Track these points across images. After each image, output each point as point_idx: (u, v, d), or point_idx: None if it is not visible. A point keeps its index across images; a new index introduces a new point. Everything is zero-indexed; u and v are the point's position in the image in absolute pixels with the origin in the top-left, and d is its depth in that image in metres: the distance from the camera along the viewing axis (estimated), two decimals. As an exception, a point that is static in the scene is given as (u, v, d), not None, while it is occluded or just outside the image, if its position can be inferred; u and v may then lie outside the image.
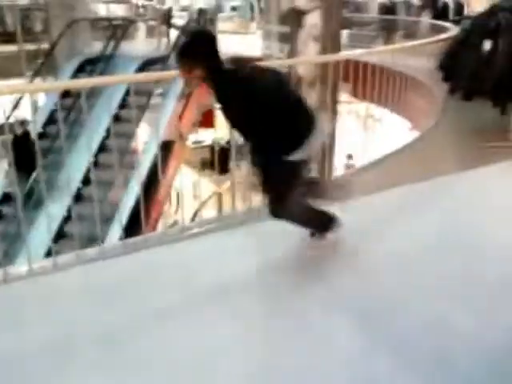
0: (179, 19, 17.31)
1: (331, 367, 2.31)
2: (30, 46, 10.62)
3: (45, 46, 10.82)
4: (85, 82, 4.97)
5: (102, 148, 8.34)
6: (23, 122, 8.54)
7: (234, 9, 20.03)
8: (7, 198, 8.52)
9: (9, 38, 11.89)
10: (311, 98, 6.56)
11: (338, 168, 9.20)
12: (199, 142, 13.52)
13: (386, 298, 2.80)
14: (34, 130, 7.73)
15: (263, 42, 7.49)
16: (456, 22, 10.29)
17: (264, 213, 3.06)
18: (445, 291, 2.85)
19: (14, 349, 2.42)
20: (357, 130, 9.43)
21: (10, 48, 11.26)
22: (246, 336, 2.52)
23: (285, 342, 2.47)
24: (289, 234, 3.25)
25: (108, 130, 8.00)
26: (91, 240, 3.73)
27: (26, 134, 7.97)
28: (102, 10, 16.25)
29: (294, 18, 6.40)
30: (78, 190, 8.05)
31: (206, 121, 13.45)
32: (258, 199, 3.59)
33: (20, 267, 3.21)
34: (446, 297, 2.80)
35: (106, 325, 2.58)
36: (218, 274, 3.05)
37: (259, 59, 7.35)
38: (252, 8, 18.54)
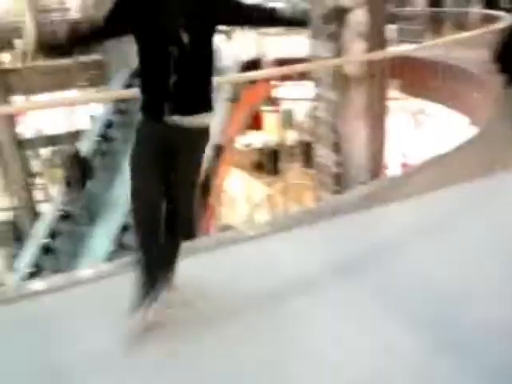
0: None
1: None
2: (83, 58, 10.95)
3: (97, 57, 11.15)
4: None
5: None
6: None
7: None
8: (64, 216, 8.64)
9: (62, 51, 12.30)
10: (360, 96, 6.50)
11: (393, 167, 9.04)
12: (249, 144, 13.60)
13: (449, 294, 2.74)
14: (89, 145, 7.95)
15: (309, 43, 7.46)
16: (508, 10, 9.93)
17: (319, 214, 3.04)
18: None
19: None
20: (408, 127, 9.26)
21: (64, 61, 11.67)
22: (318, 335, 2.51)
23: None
24: (347, 236, 3.23)
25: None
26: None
27: (78, 152, 8.20)
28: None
29: (339, 16, 6.34)
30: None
31: (255, 123, 13.54)
32: (311, 200, 3.57)
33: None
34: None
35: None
36: (273, 276, 3.05)
37: (306, 60, 7.36)
38: (297, 8, 18.52)
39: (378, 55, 5.88)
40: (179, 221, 2.58)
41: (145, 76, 2.38)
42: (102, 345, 2.47)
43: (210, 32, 2.38)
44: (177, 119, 2.34)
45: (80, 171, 8.02)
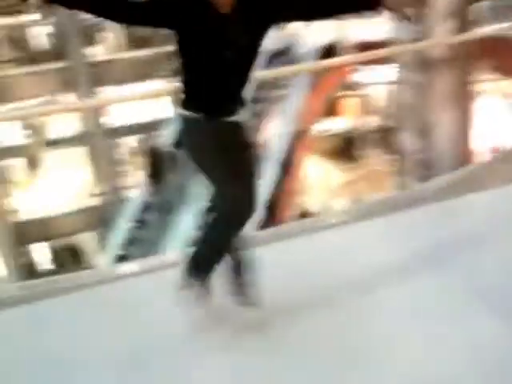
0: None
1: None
2: (165, 49, 11.23)
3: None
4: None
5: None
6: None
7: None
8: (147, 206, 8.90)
9: (143, 44, 12.74)
10: (446, 80, 6.22)
11: (483, 152, 8.58)
12: (327, 130, 13.44)
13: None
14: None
15: (389, 25, 7.22)
16: None
17: (404, 201, 2.94)
18: None
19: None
20: (501, 109, 8.74)
21: (146, 52, 12.05)
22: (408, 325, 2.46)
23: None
24: (434, 224, 3.10)
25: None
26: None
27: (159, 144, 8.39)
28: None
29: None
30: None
31: (334, 109, 13.34)
32: (392, 187, 3.46)
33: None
34: None
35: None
36: (359, 265, 2.99)
37: (388, 43, 7.12)
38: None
39: (465, 37, 5.58)
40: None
41: (193, 76, 2.30)
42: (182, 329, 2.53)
43: (265, 33, 2.29)
44: (236, 117, 2.34)
45: (161, 164, 8.23)
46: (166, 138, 8.69)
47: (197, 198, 7.25)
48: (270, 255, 3.22)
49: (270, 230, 3.61)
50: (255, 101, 8.30)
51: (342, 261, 3.03)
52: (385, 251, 3.10)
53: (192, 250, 2.50)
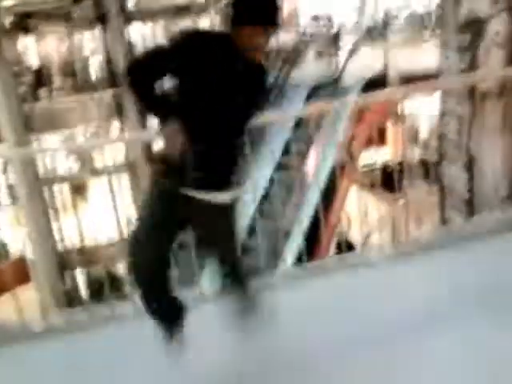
0: (347, 40, 17.38)
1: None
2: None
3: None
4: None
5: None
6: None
7: (403, 23, 19.52)
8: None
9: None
10: (493, 112, 6.07)
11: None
12: (370, 160, 13.32)
13: None
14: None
15: (439, 54, 7.14)
16: None
17: (450, 238, 2.85)
18: None
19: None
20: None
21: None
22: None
23: None
24: (481, 263, 2.99)
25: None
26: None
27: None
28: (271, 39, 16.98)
29: (475, 25, 5.99)
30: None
31: (377, 139, 13.22)
32: (435, 222, 3.37)
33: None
34: None
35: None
36: (400, 305, 2.89)
37: (434, 74, 7.03)
38: (424, 20, 17.86)
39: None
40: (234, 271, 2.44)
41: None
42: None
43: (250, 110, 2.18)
44: (199, 193, 2.12)
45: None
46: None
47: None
48: (310, 290, 3.18)
49: (310, 265, 3.56)
50: (298, 137, 8.31)
51: (383, 300, 2.95)
52: (426, 292, 3.00)
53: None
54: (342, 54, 11.04)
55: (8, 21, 11.14)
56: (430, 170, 10.86)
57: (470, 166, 6.35)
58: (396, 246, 3.76)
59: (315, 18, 24.73)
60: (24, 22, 11.25)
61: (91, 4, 10.94)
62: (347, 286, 3.17)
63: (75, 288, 12.44)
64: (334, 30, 19.46)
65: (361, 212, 10.91)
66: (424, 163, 13.27)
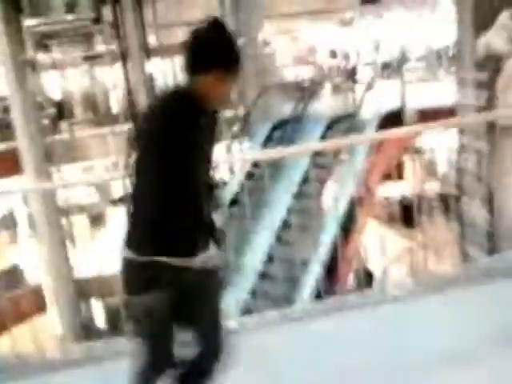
0: (364, 74, 17.55)
1: None
2: (227, 113, 11.59)
3: (240, 111, 11.75)
4: (275, 152, 5.27)
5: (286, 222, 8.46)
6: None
7: (419, 59, 19.69)
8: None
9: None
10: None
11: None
12: (387, 195, 13.25)
13: None
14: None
15: (456, 90, 7.17)
16: None
17: (472, 275, 2.80)
18: None
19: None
20: None
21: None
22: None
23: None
24: (495, 301, 2.92)
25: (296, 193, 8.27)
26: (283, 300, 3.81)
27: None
28: (290, 73, 17.29)
29: (492, 62, 6.02)
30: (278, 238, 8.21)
31: (394, 173, 13.17)
32: (454, 259, 3.32)
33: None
34: None
35: None
36: (419, 343, 2.83)
37: (451, 109, 7.04)
38: (440, 56, 18.02)
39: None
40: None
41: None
42: None
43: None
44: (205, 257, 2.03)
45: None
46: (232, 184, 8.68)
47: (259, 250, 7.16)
48: (328, 327, 3.13)
49: (328, 302, 3.52)
50: (317, 165, 8.35)
51: (404, 336, 2.89)
52: (448, 329, 2.94)
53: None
54: (359, 88, 11.12)
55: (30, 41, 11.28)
56: (449, 205, 10.76)
57: (490, 201, 6.29)
58: (416, 282, 3.70)
59: (332, 53, 25.12)
60: (45, 42, 11.41)
61: (109, 25, 11.09)
62: (364, 323, 3.12)
63: (91, 318, 12.41)
64: (351, 65, 19.74)
65: (379, 246, 10.82)
66: (443, 197, 13.17)
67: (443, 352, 2.75)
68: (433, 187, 13.93)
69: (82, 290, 11.66)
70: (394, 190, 12.99)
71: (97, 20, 11.43)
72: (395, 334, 2.92)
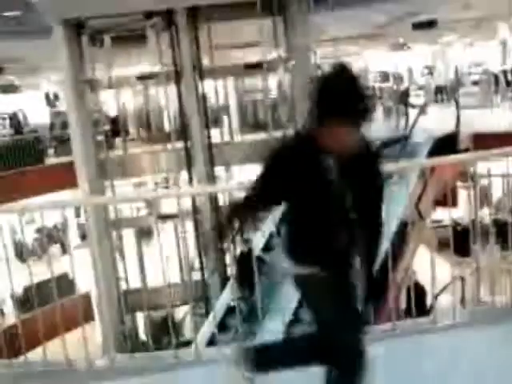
0: (417, 98, 17.27)
1: None
2: (278, 134, 11.62)
3: (290, 132, 11.75)
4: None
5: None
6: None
7: (475, 83, 19.19)
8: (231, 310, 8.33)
9: (259, 127, 13.33)
10: None
11: None
12: (438, 221, 12.88)
13: None
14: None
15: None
16: None
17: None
18: None
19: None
20: None
21: (261, 136, 12.53)
22: None
23: None
24: None
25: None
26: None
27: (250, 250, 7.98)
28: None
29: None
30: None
31: (448, 199, 12.80)
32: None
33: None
34: None
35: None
36: (472, 372, 2.70)
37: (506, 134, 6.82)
38: (497, 80, 17.51)
39: None
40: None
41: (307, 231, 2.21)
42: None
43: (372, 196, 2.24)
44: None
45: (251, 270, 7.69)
46: (256, 240, 8.46)
47: (285, 306, 6.99)
48: (377, 352, 3.03)
49: (378, 328, 3.42)
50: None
51: (453, 367, 2.77)
52: (498, 362, 2.78)
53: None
54: (412, 112, 10.95)
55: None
56: (503, 232, 10.35)
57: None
58: (467, 312, 3.56)
59: (384, 76, 24.91)
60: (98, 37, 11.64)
61: (161, 21, 11.24)
62: (414, 351, 3.01)
63: (135, 330, 12.54)
64: (403, 88, 19.47)
65: (430, 273, 10.49)
66: (498, 225, 12.70)
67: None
68: (487, 213, 13.45)
69: (128, 302, 11.82)
70: (446, 216, 12.63)
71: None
72: (444, 363, 2.81)
